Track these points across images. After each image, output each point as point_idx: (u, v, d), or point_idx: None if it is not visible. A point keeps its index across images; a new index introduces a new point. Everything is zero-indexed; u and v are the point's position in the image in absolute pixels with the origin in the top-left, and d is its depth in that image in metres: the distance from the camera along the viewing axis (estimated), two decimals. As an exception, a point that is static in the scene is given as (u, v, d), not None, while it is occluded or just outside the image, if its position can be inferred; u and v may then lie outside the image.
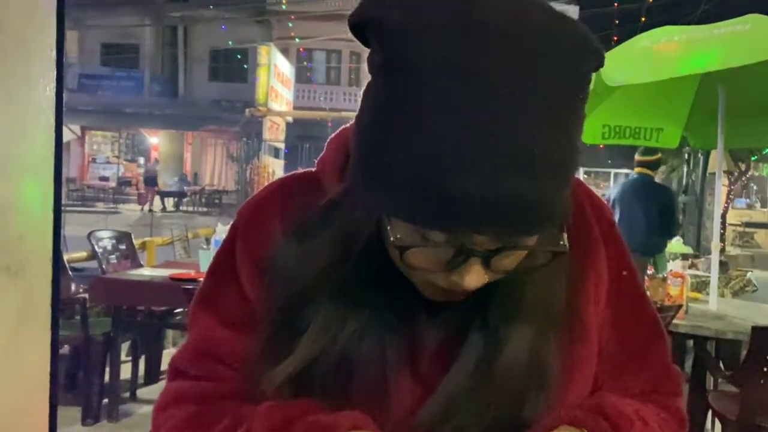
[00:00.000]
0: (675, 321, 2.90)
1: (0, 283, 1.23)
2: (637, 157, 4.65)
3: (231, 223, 0.76)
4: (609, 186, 22.40)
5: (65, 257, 4.03)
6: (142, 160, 23.73)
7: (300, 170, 0.76)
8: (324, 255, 0.64)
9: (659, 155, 4.73)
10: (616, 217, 4.57)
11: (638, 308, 0.76)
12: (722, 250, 4.19)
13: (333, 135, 0.73)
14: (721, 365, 3.21)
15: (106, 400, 3.35)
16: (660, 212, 4.49)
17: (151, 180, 20.36)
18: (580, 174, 20.39)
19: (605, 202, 0.78)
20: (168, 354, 4.23)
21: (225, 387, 0.70)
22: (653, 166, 4.68)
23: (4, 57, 1.22)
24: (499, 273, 0.59)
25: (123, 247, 4.32)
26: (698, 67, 2.93)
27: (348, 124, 0.68)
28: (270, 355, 0.65)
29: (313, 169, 0.73)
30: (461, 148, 0.52)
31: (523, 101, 0.53)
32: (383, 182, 0.56)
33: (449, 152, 0.52)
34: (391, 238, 0.57)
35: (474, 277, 0.58)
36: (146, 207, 19.16)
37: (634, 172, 4.72)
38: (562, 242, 0.59)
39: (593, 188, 0.82)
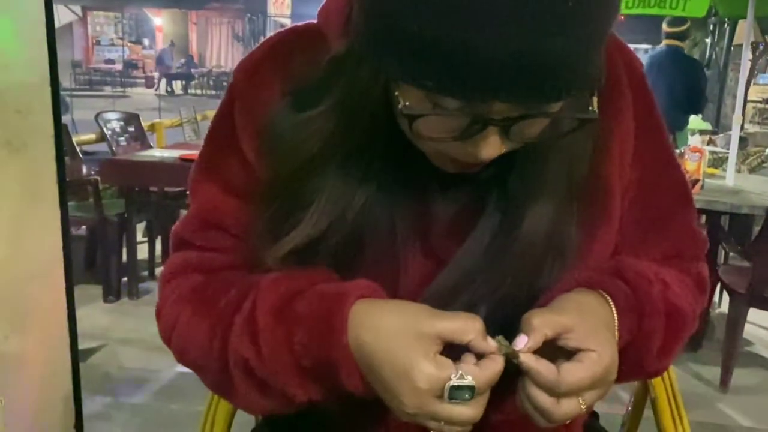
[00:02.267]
0: (691, 196, 2.88)
1: (2, 158, 1.20)
2: (665, 27, 4.41)
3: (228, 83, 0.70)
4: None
5: (74, 139, 4.01)
6: (147, 42, 23.14)
7: (300, 24, 0.69)
8: (327, 122, 0.59)
9: (689, 24, 4.48)
10: None
11: (665, 169, 0.72)
12: (741, 127, 4.09)
13: None
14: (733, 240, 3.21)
15: (125, 279, 3.44)
16: (688, 86, 4.34)
17: (162, 61, 19.99)
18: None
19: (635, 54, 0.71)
20: (183, 234, 4.30)
21: (231, 256, 0.68)
22: (682, 36, 4.45)
23: None
24: (519, 143, 0.54)
25: (132, 129, 4.28)
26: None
27: None
28: (274, 229, 0.62)
29: (315, 21, 0.66)
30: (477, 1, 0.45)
31: None
32: (390, 41, 0.49)
33: (465, 4, 0.45)
34: (400, 106, 0.51)
35: (491, 148, 0.53)
36: (160, 89, 18.78)
37: (662, 44, 4.51)
38: (591, 107, 0.53)
39: None
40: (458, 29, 0.45)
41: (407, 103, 0.51)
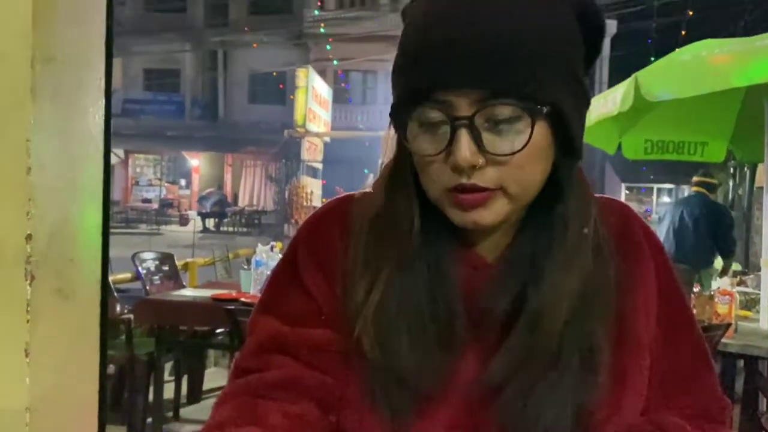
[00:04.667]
0: (724, 340, 2.82)
1: (53, 306, 1.26)
2: (696, 178, 4.73)
3: (270, 245, 0.77)
4: (651, 201, 21.99)
5: (110, 278, 4.13)
6: (183, 182, 24.19)
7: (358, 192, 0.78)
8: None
9: (719, 182, 4.89)
10: (665, 230, 4.71)
11: (687, 331, 0.75)
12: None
13: None
14: (775, 386, 3.10)
15: (150, 420, 3.40)
16: (717, 231, 4.54)
17: (205, 202, 20.89)
18: (622, 190, 20.07)
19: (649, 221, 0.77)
20: (210, 373, 4.28)
21: (285, 371, 0.69)
22: (712, 188, 4.78)
23: (57, 87, 1.27)
24: (495, 156, 0.62)
25: (166, 268, 4.40)
26: (752, 78, 2.86)
27: None
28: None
29: (371, 190, 0.75)
30: (432, 14, 0.62)
31: None
32: (393, 87, 0.65)
33: (422, 18, 0.63)
34: (405, 136, 0.65)
35: (464, 149, 0.61)
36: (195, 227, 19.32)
37: (692, 190, 4.78)
38: (539, 107, 0.61)
39: (635, 204, 0.82)
40: (414, 37, 0.63)
41: (409, 134, 0.65)
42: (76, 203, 1.34)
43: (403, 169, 0.69)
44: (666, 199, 21.72)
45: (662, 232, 4.80)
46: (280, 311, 0.72)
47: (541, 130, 0.63)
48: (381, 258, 0.69)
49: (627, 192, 20.57)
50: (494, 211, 0.64)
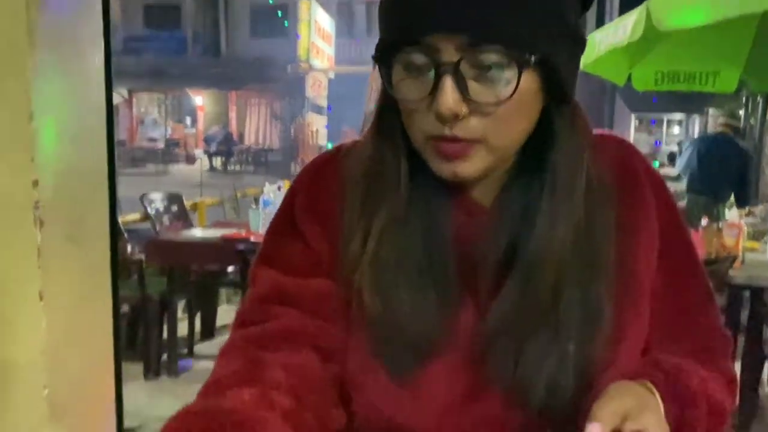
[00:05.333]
0: (731, 272, 2.84)
1: (64, 251, 1.27)
2: (722, 119, 4.74)
3: (277, 184, 0.77)
4: (661, 133, 21.72)
5: (120, 219, 4.16)
6: (188, 121, 24.06)
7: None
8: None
9: (742, 124, 4.89)
10: (687, 161, 4.74)
11: (689, 269, 0.75)
12: (780, 198, 4.25)
13: None
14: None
15: (165, 356, 3.49)
16: (738, 177, 4.59)
17: (209, 143, 20.81)
18: (632, 121, 19.77)
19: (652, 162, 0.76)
20: (222, 311, 4.36)
21: (286, 322, 0.68)
22: (738, 131, 4.80)
23: (55, 30, 1.24)
24: (479, 105, 0.60)
25: (175, 208, 4.43)
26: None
27: None
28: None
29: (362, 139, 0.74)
30: None
31: None
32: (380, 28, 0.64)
33: None
34: (389, 81, 0.63)
35: (448, 96, 0.59)
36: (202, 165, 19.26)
37: (717, 130, 4.79)
38: (527, 56, 0.60)
39: (644, 135, 0.80)
40: None
41: (393, 79, 0.63)
42: (81, 146, 1.34)
43: (389, 118, 0.68)
44: (676, 130, 21.45)
45: (682, 163, 4.82)
46: (280, 262, 0.72)
47: (529, 79, 0.61)
48: (374, 210, 0.69)
49: (637, 123, 20.29)
50: (474, 164, 0.64)
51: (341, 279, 0.70)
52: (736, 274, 2.86)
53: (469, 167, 0.64)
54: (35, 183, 1.20)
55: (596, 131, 0.73)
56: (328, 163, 0.75)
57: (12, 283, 1.23)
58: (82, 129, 1.34)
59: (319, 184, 0.74)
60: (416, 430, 0.68)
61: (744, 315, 3.08)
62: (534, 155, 0.67)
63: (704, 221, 3.37)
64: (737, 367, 2.93)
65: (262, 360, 0.64)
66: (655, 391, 0.63)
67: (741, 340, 2.96)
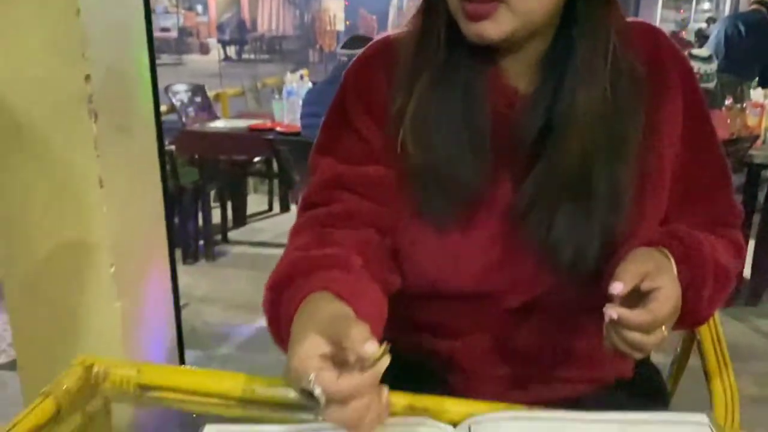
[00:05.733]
0: (751, 152, 2.87)
1: (117, 141, 1.37)
2: None
3: (299, 73, 0.84)
4: (690, 8, 20.77)
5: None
6: (199, 8, 23.42)
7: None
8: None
9: None
10: (716, 39, 4.66)
11: (708, 149, 0.82)
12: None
13: None
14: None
15: (201, 243, 3.67)
16: (764, 53, 4.51)
17: (225, 28, 20.37)
18: (658, -2, 18.85)
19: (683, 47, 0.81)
20: (250, 200, 4.51)
21: (347, 205, 0.78)
22: None
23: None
24: None
25: (198, 99, 4.46)
26: None
27: None
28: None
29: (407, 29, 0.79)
30: None
31: None
32: None
33: None
34: None
35: None
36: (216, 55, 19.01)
37: (750, 8, 4.72)
38: None
39: (673, 12, 0.85)
40: None
41: None
42: (126, 42, 1.40)
43: None
44: (706, 5, 20.49)
45: (711, 41, 4.71)
46: (336, 152, 0.80)
47: None
48: (417, 77, 0.76)
49: (665, -1, 19.37)
50: (499, 25, 0.69)
51: (392, 162, 0.78)
52: (756, 154, 2.90)
53: (494, 28, 0.70)
54: (87, 77, 1.27)
55: (629, 19, 0.77)
56: (377, 54, 0.81)
57: (74, 173, 1.33)
58: (123, 24, 1.40)
59: (369, 76, 0.80)
60: (457, 291, 0.78)
61: (762, 194, 3.13)
62: (564, 40, 0.73)
63: (728, 101, 3.36)
64: (751, 244, 3.04)
65: (331, 234, 0.74)
66: (670, 256, 0.71)
67: (757, 217, 3.04)
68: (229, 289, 3.27)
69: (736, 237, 0.82)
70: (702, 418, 0.64)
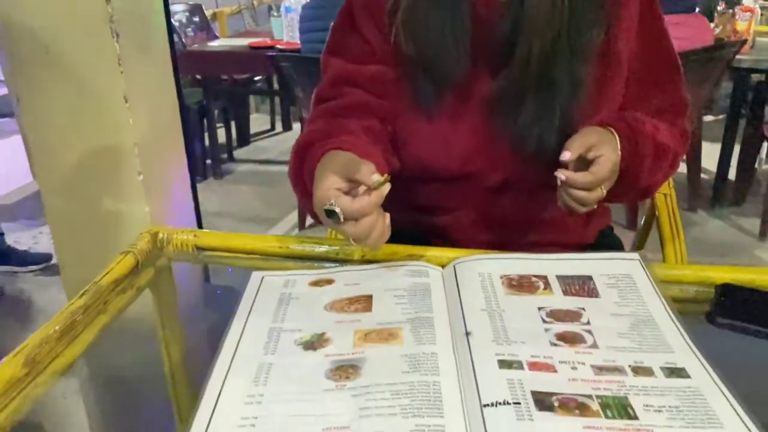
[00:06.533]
0: (739, 56, 2.94)
1: (137, 59, 1.48)
2: None
3: None
4: None
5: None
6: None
7: None
8: None
9: None
10: None
11: (660, 44, 0.94)
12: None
13: None
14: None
15: (209, 161, 3.80)
16: None
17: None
18: None
19: None
20: (253, 119, 4.61)
21: (355, 97, 0.92)
22: None
23: None
24: None
25: (196, 18, 4.49)
26: None
27: None
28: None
29: None
30: None
31: None
32: None
33: None
34: None
35: None
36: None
37: None
38: None
39: None
40: None
41: None
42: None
43: None
44: None
45: None
46: (344, 53, 0.94)
47: None
48: None
49: None
50: None
51: (392, 61, 0.91)
52: (744, 58, 2.96)
53: None
54: (108, -1, 1.38)
55: None
56: None
57: (101, 90, 1.46)
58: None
59: None
60: (446, 172, 0.93)
61: (749, 98, 3.22)
62: None
63: (720, 6, 3.40)
64: (736, 148, 3.16)
65: (341, 121, 0.88)
66: (615, 133, 0.85)
67: (743, 121, 3.14)
68: (239, 203, 3.44)
69: (681, 124, 0.95)
70: (634, 255, 0.79)
